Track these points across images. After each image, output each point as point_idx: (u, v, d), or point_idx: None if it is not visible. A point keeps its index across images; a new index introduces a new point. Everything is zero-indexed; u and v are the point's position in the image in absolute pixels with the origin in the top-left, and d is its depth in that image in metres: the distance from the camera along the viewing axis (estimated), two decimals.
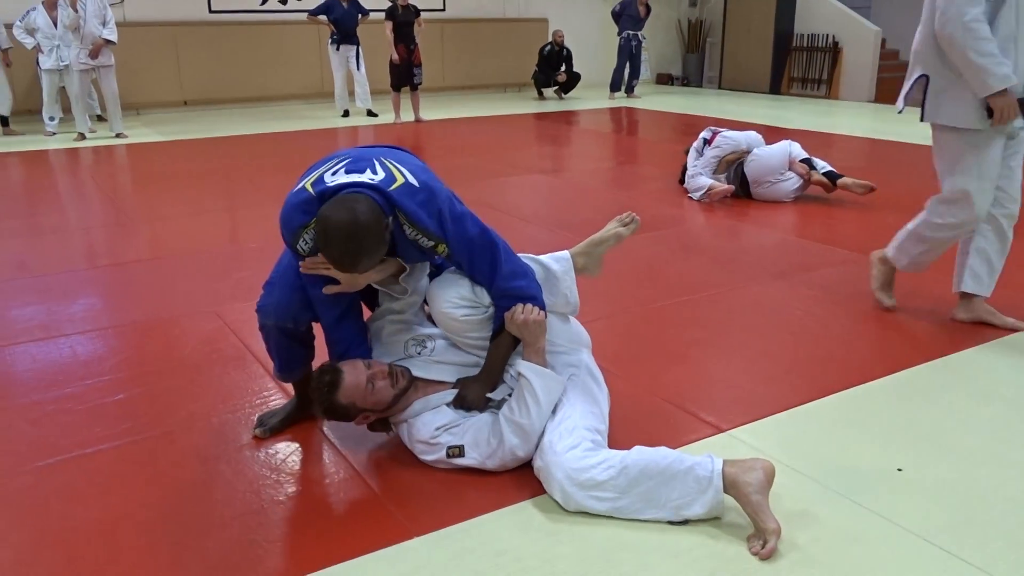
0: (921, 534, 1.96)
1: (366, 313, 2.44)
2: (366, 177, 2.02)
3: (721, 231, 4.98)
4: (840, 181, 5.44)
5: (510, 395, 2.23)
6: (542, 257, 2.38)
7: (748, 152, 5.65)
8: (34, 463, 2.32)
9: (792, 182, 5.56)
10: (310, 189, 2.06)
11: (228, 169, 6.97)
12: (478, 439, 2.17)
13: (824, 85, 12.23)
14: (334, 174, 2.06)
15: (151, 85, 10.24)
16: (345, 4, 9.59)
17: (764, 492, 1.92)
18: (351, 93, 10.08)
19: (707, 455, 2.00)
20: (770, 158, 5.59)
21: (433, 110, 10.48)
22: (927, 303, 3.52)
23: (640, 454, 2.01)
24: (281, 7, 11.06)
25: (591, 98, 12.00)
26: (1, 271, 4.19)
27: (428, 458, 2.22)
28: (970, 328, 3.24)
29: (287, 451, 2.39)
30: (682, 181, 5.92)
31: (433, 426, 2.20)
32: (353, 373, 2.12)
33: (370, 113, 10.01)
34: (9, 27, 8.65)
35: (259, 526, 2.03)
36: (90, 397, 2.73)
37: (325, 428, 2.50)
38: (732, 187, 5.58)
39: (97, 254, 4.58)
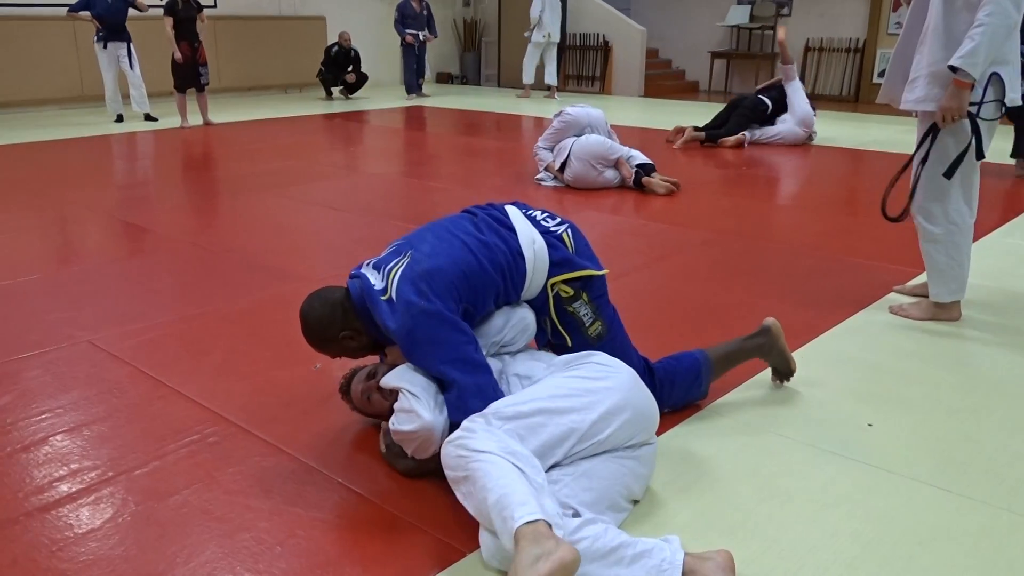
0: (914, 477, 2.17)
1: None
2: (371, 279, 2.18)
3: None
4: (644, 180, 5.60)
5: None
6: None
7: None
8: None
9: (609, 175, 5.71)
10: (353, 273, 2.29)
11: None
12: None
13: (599, 82, 12.96)
14: (368, 264, 2.27)
15: None
16: None
17: None
18: (124, 96, 9.16)
19: (662, 539, 1.74)
20: (598, 145, 5.65)
21: (219, 113, 9.81)
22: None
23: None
24: (26, 0, 9.79)
25: (378, 98, 11.82)
26: None
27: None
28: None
29: (272, 483, 2.15)
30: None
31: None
32: (357, 385, 2.36)
33: (148, 117, 9.16)
34: None
35: (315, 567, 1.81)
36: None
37: (305, 457, 2.29)
38: (556, 166, 5.70)
39: None
